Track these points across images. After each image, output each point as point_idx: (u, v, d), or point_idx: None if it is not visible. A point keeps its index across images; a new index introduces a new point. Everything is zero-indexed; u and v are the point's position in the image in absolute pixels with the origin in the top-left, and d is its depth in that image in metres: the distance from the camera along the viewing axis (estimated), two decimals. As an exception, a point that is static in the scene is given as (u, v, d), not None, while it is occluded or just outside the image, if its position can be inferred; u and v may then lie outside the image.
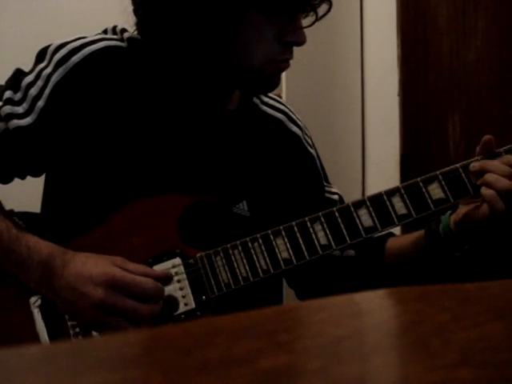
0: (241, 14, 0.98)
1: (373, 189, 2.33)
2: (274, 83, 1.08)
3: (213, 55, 1.03)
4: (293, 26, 1.02)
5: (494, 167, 0.97)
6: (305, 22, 1.05)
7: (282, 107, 1.21)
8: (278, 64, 1.05)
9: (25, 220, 1.07)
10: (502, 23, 2.04)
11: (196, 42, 1.02)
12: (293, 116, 1.22)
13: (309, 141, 1.23)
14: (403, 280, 1.19)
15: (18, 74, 1.07)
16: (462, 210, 1.03)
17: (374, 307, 0.49)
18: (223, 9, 0.97)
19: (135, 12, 1.06)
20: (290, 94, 2.18)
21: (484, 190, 0.97)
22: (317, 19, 1.04)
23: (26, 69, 1.07)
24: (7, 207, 1.07)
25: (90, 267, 0.93)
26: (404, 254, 1.14)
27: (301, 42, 1.04)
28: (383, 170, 2.36)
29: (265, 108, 1.19)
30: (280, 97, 1.25)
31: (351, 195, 1.07)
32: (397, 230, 1.33)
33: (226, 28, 0.99)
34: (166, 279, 0.99)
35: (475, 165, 0.99)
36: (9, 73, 1.08)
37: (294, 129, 1.20)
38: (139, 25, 1.06)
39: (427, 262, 1.11)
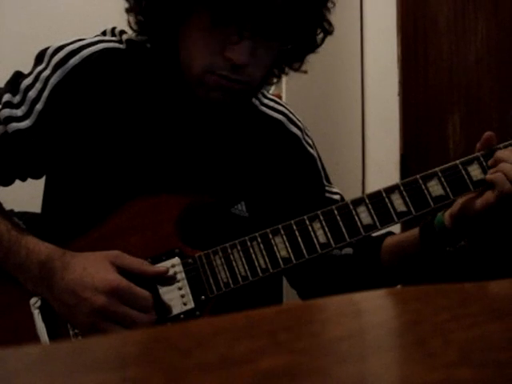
0: (187, 11, 0.97)
1: (373, 189, 2.32)
2: (214, 97, 1.01)
3: (169, 55, 1.04)
4: (237, 42, 0.96)
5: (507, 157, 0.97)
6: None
7: (282, 108, 1.21)
8: (218, 78, 0.99)
9: (25, 220, 1.08)
10: (502, 23, 2.04)
11: (157, 38, 1.04)
12: (292, 117, 1.21)
13: (309, 141, 1.23)
14: (400, 278, 1.19)
15: (17, 77, 1.07)
16: (459, 202, 1.03)
17: (374, 307, 0.49)
18: (171, 2, 0.97)
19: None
20: (290, 94, 2.18)
21: (491, 175, 0.97)
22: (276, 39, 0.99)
23: (25, 71, 1.08)
24: (7, 207, 1.07)
25: (92, 272, 0.93)
26: (400, 250, 1.14)
27: (238, 61, 0.96)
28: (383, 170, 2.36)
29: (264, 109, 1.19)
30: (280, 97, 1.25)
31: (351, 195, 1.07)
32: (396, 229, 1.33)
33: (174, 24, 0.99)
34: (165, 276, 0.99)
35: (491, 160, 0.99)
36: (8, 75, 1.08)
37: (294, 130, 1.20)
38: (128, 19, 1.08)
39: (422, 256, 1.10)
